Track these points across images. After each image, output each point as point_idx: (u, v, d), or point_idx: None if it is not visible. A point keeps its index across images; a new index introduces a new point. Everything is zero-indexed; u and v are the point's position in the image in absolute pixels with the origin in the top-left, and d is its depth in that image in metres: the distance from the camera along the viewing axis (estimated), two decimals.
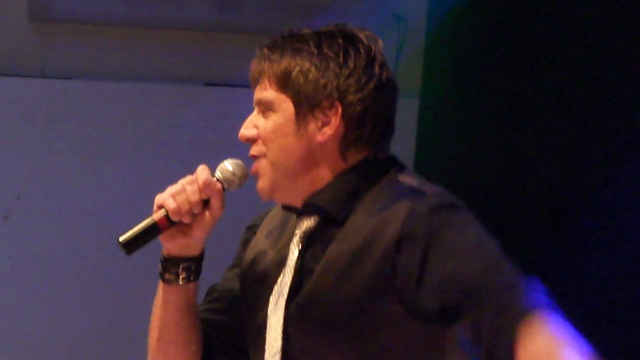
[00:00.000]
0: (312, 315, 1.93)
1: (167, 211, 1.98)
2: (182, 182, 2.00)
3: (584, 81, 5.04)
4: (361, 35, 1.99)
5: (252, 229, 2.17)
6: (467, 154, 5.19)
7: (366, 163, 1.99)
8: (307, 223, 1.98)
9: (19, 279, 4.59)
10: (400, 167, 2.03)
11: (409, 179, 2.00)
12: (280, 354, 1.95)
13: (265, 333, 1.98)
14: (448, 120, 5.28)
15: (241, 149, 2.14)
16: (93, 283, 4.68)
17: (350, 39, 1.98)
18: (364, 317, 1.88)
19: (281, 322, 1.95)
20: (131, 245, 2.00)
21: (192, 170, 2.09)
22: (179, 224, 1.99)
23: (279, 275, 2.00)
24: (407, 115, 5.04)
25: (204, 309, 2.15)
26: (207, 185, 1.98)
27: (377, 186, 1.98)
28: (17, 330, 4.57)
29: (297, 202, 2.01)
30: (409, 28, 5.39)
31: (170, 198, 1.97)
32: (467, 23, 5.31)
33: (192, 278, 2.04)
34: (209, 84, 5.01)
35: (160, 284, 2.07)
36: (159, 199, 2.00)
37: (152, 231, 2.01)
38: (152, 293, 2.18)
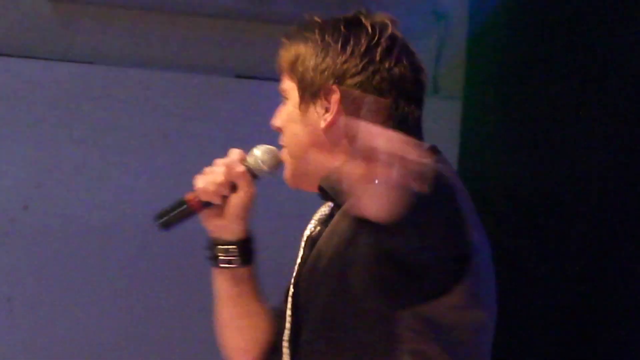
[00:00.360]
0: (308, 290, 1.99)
1: (194, 199, 2.07)
2: (215, 163, 2.08)
3: (632, 82, 5.01)
4: (368, 21, 1.97)
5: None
6: (511, 157, 5.13)
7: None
8: (324, 209, 2.07)
9: (38, 269, 4.47)
10: None
11: None
12: (288, 337, 2.03)
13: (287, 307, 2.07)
14: (492, 124, 5.20)
15: (271, 142, 2.14)
16: (116, 274, 4.54)
17: (354, 26, 1.97)
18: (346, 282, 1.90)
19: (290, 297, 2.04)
20: (165, 223, 2.10)
21: None
22: (212, 205, 2.06)
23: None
24: (449, 118, 4.95)
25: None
26: (230, 168, 2.03)
27: None
28: (36, 321, 4.47)
29: (315, 189, 2.04)
30: (450, 26, 5.21)
31: (200, 178, 2.05)
32: (511, 22, 5.23)
33: (233, 262, 2.07)
34: (240, 76, 4.88)
35: (219, 276, 2.13)
36: (200, 182, 2.08)
37: (184, 210, 2.09)
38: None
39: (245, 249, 2.10)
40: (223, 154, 2.14)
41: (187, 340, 4.50)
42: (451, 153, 4.81)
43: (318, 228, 2.07)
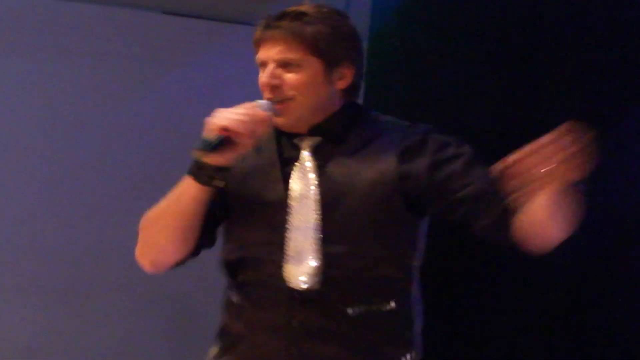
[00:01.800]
0: (338, 207, 2.59)
1: (232, 132, 2.47)
2: (245, 108, 2.52)
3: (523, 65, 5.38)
4: (344, 15, 2.71)
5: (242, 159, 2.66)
6: (415, 95, 5.47)
7: (354, 104, 2.72)
8: (313, 140, 2.63)
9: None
10: (366, 110, 2.78)
11: (386, 118, 2.73)
12: (319, 229, 2.57)
13: (286, 207, 2.58)
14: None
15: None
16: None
17: (346, 17, 2.69)
18: (382, 209, 2.58)
19: (314, 199, 2.59)
20: (209, 151, 2.47)
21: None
22: (239, 142, 2.49)
23: (293, 172, 2.63)
24: None
25: None
26: (254, 115, 2.51)
27: (363, 119, 2.70)
28: None
29: (304, 129, 2.63)
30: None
31: (238, 122, 2.47)
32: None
33: (222, 184, 2.57)
34: (166, 13, 5.08)
35: (197, 189, 2.55)
36: (224, 121, 2.47)
37: (223, 144, 2.48)
38: None
39: (226, 174, 2.58)
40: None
41: None
42: None
43: (315, 155, 2.65)
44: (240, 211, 2.63)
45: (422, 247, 2.68)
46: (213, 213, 2.61)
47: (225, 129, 2.45)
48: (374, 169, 2.58)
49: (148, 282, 4.18)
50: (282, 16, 2.60)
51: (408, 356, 2.62)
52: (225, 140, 2.46)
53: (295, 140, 2.64)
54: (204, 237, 2.63)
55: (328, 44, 2.59)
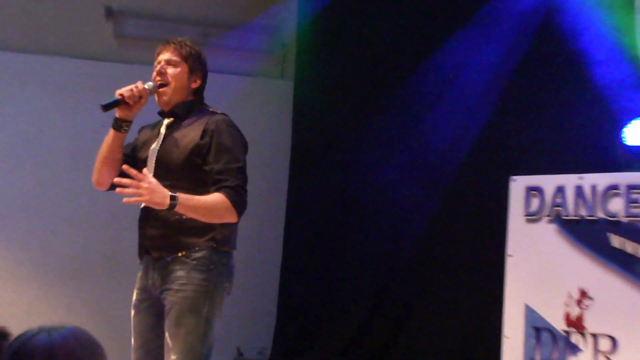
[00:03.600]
0: (167, 153, 4.23)
1: (124, 97, 4.18)
2: (133, 86, 4.20)
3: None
4: (200, 49, 4.45)
5: (141, 130, 4.48)
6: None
7: (198, 100, 4.37)
8: (169, 120, 4.34)
9: None
10: (206, 105, 4.40)
11: (211, 109, 4.35)
12: (154, 171, 4.17)
13: (148, 161, 4.24)
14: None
15: None
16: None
17: (200, 50, 4.42)
18: (187, 161, 4.17)
19: (154, 158, 4.24)
20: (106, 107, 4.18)
21: None
22: (129, 103, 4.20)
23: (155, 142, 4.31)
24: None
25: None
26: (140, 89, 4.23)
27: (198, 108, 4.35)
28: None
29: (168, 109, 4.34)
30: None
31: (126, 91, 4.17)
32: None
33: (127, 131, 4.28)
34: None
35: (113, 133, 4.27)
36: (122, 91, 4.18)
37: (118, 102, 4.19)
38: None
39: (130, 125, 4.28)
40: None
41: None
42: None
43: (167, 126, 4.31)
44: (136, 163, 4.25)
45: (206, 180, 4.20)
46: (126, 160, 4.26)
47: (120, 95, 4.17)
48: (188, 138, 4.20)
49: None
50: (174, 41, 4.37)
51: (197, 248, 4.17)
52: (119, 101, 4.17)
53: (163, 121, 4.37)
54: (121, 176, 4.14)
55: (192, 59, 4.33)
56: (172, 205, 3.89)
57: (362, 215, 7.34)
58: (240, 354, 7.70)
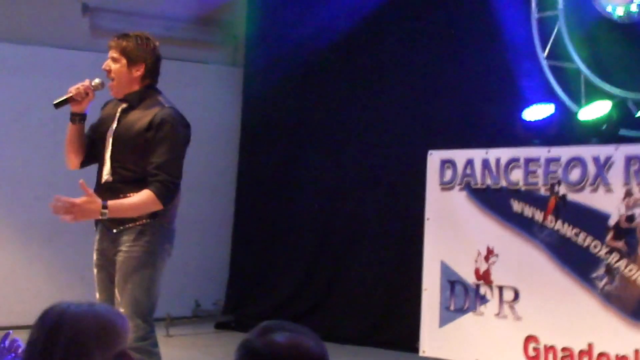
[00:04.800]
0: (120, 137, 4.59)
1: (72, 94, 4.59)
2: (81, 84, 4.59)
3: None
4: (150, 36, 4.67)
5: (104, 105, 4.78)
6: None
7: (149, 86, 4.65)
8: (124, 105, 4.64)
9: None
10: (160, 93, 4.66)
11: (163, 99, 4.63)
12: (110, 155, 4.60)
13: (106, 141, 4.61)
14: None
15: None
16: None
17: (147, 39, 4.64)
18: (135, 146, 4.52)
19: (111, 139, 4.62)
20: (57, 105, 4.62)
21: None
22: (78, 100, 4.60)
23: (112, 122, 4.65)
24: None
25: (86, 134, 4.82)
26: (86, 86, 4.62)
27: (150, 97, 4.62)
28: None
29: (121, 97, 4.64)
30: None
31: (75, 89, 4.56)
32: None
33: (82, 122, 4.68)
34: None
35: (70, 125, 4.68)
36: (71, 89, 4.58)
37: (68, 99, 4.60)
38: None
39: (84, 117, 4.68)
40: None
41: None
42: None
43: (122, 111, 4.62)
44: (95, 140, 4.70)
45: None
46: (88, 143, 4.68)
47: (70, 92, 4.58)
48: (137, 125, 4.52)
49: None
50: (116, 37, 4.64)
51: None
52: (69, 99, 4.56)
53: (119, 106, 4.67)
54: (88, 156, 4.68)
55: (130, 51, 4.55)
56: (103, 214, 4.34)
57: (301, 187, 7.97)
58: (198, 305, 8.46)
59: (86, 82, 4.56)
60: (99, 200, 4.35)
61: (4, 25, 7.46)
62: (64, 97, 4.56)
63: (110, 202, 4.38)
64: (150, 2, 8.03)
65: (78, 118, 4.60)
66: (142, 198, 4.39)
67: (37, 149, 7.46)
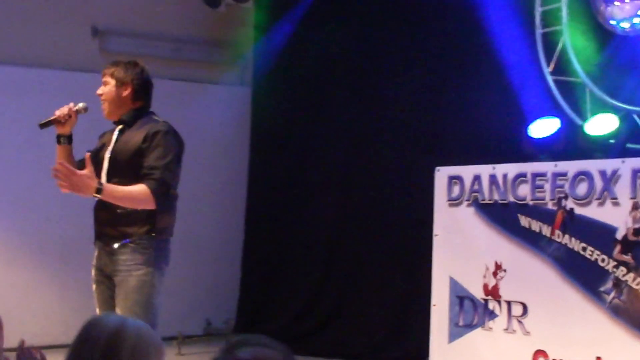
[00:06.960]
0: (117, 154, 4.74)
1: (57, 116, 4.75)
2: (66, 106, 4.77)
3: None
4: (139, 62, 4.91)
5: (102, 134, 4.95)
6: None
7: (142, 107, 4.85)
8: (120, 127, 4.82)
9: None
10: (153, 113, 4.86)
11: (155, 117, 4.83)
12: (106, 173, 4.73)
13: (104, 161, 4.74)
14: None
15: None
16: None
17: (135, 64, 4.87)
18: (131, 162, 4.65)
19: (108, 157, 4.78)
20: (42, 125, 4.77)
21: None
22: (62, 122, 4.76)
23: (109, 144, 4.79)
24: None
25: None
26: (70, 109, 4.79)
27: (144, 116, 4.82)
28: None
29: (116, 119, 4.84)
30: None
31: (59, 111, 4.73)
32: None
33: (68, 143, 4.83)
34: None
35: (58, 147, 4.84)
36: (56, 112, 4.74)
37: (53, 121, 4.76)
38: None
39: (70, 138, 4.83)
40: None
41: None
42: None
43: (119, 132, 4.78)
44: (97, 162, 4.77)
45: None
46: (92, 158, 4.67)
47: (55, 114, 4.74)
48: (133, 141, 4.67)
49: None
50: (110, 64, 4.87)
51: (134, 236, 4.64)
52: (54, 120, 4.71)
53: (115, 128, 4.84)
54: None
55: (118, 73, 4.77)
56: (98, 190, 4.44)
57: (310, 207, 7.99)
58: (210, 324, 8.47)
59: (70, 105, 4.77)
60: (97, 179, 4.53)
61: (15, 49, 7.55)
62: (49, 119, 4.74)
63: (106, 184, 4.58)
64: (159, 24, 8.09)
65: (62, 139, 4.80)
66: (136, 189, 4.55)
67: (48, 171, 7.18)
